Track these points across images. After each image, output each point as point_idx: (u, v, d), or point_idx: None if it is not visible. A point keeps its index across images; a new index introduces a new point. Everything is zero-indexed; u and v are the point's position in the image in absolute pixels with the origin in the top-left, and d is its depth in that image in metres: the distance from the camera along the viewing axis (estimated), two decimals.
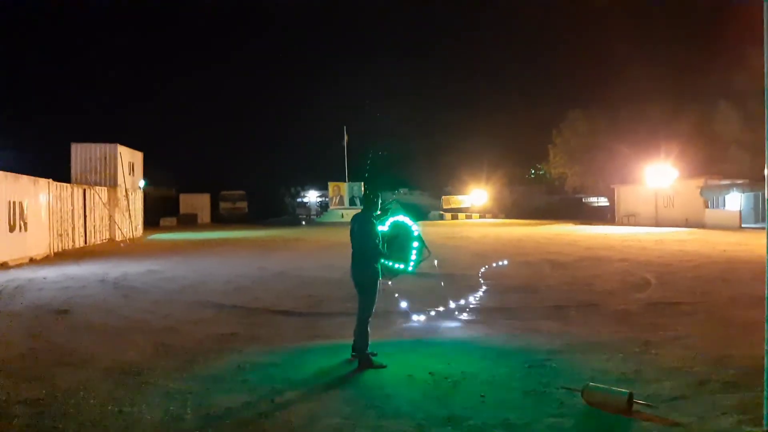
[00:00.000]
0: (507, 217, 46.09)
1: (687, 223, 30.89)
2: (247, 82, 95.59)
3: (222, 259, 17.17)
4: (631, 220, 34.88)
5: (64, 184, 20.54)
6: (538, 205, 48.14)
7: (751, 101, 25.05)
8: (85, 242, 21.88)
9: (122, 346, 6.97)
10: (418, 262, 6.59)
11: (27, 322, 8.29)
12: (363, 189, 39.76)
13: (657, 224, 32.43)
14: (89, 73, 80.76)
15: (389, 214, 6.47)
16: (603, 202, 45.17)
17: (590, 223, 35.27)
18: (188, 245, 22.82)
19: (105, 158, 25.99)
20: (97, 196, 23.43)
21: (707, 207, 31.30)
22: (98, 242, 23.11)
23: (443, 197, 51.07)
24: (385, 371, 5.82)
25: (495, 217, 46.81)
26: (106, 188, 24.91)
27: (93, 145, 26.12)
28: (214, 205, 47.04)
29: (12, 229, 15.62)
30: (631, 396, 4.68)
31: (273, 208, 56.23)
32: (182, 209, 43.75)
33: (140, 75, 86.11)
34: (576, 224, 34.59)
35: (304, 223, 36.94)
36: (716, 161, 32.65)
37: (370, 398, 5.07)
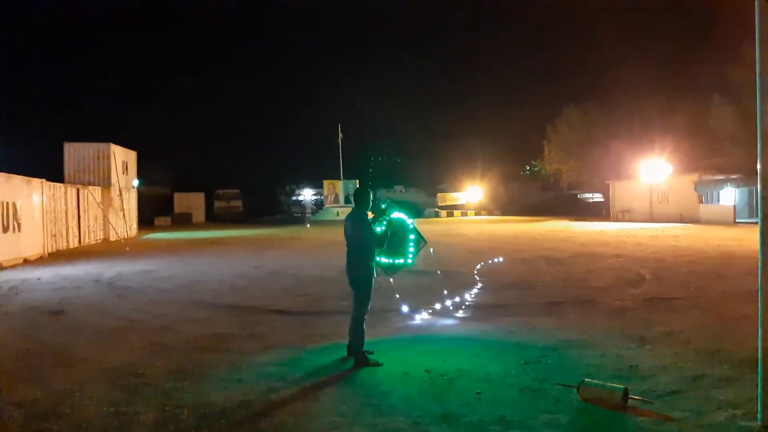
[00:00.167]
0: (502, 213, 46.15)
1: (681, 219, 31.00)
2: (242, 80, 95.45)
3: (217, 259, 17.13)
4: (626, 215, 34.98)
5: (58, 184, 20.45)
6: (534, 201, 48.26)
7: (745, 96, 25.16)
8: (79, 242, 21.81)
9: (117, 346, 6.95)
10: (416, 253, 6.62)
11: (21, 323, 8.26)
12: (357, 186, 39.73)
13: (652, 220, 32.54)
14: (83, 72, 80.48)
15: (386, 213, 6.47)
16: (598, 198, 45.30)
17: (585, 219, 35.37)
18: (183, 244, 22.77)
19: (98, 158, 25.87)
20: (90, 196, 23.34)
21: (701, 202, 31.42)
22: (92, 242, 23.04)
23: (438, 194, 51.10)
24: (381, 369, 5.81)
25: (490, 213, 46.86)
26: (99, 188, 24.82)
27: (86, 145, 26.00)
28: (209, 204, 46.94)
29: (5, 229, 15.55)
30: (626, 391, 4.70)
31: (268, 207, 56.16)
32: (177, 208, 43.64)
33: (134, 74, 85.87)
34: (571, 220, 34.67)
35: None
36: (710, 156, 32.76)
37: (367, 396, 5.07)
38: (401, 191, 52.57)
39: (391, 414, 4.63)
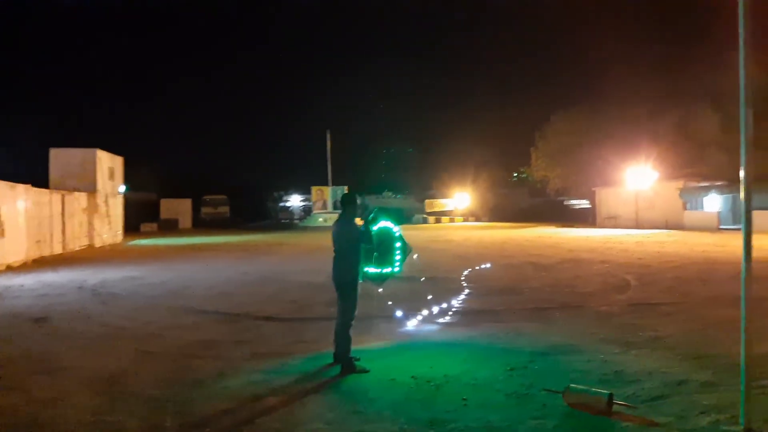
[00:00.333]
0: (490, 220, 46.30)
1: (667, 225, 31.29)
2: (230, 87, 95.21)
3: (204, 265, 17.02)
4: (612, 222, 35.24)
5: (42, 190, 20.23)
6: (521, 207, 48.45)
7: (729, 103, 25.47)
8: (64, 249, 21.56)
9: (101, 353, 6.87)
10: (402, 261, 6.62)
11: (3, 330, 8.14)
12: (345, 192, 39.68)
13: (637, 226, 32.80)
14: (69, 77, 79.92)
15: (373, 222, 6.47)
16: (585, 204, 45.57)
17: (572, 226, 35.58)
18: (169, 251, 22.60)
19: (84, 163, 25.61)
20: (75, 202, 23.11)
21: (686, 209, 31.74)
22: (77, 249, 22.79)
23: (426, 201, 51.18)
24: (367, 375, 5.80)
25: (478, 220, 47.01)
26: (85, 194, 24.57)
27: (72, 150, 25.75)
28: (196, 210, 46.61)
29: None
30: (611, 397, 4.72)
31: (256, 213, 55.94)
32: (163, 214, 43.29)
33: (121, 80, 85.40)
34: (558, 227, 34.86)
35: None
36: (695, 163, 33.10)
37: (353, 403, 5.06)
38: (390, 197, 52.61)
39: (378, 420, 4.62)
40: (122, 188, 30.09)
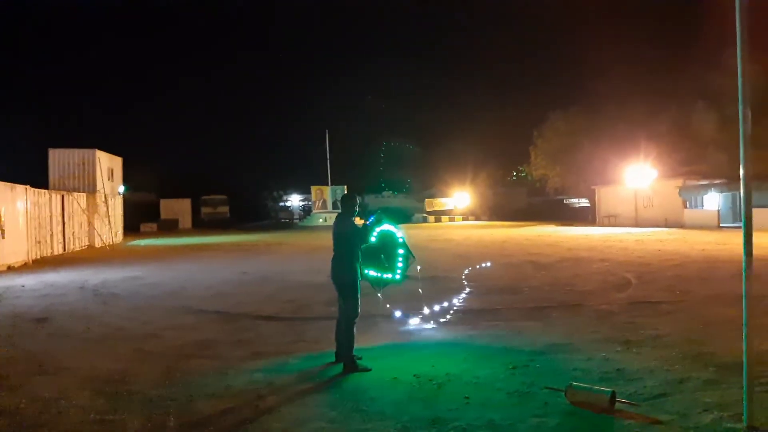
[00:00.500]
0: (489, 219, 46.31)
1: (666, 223, 31.30)
2: (229, 87, 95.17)
3: (203, 265, 17.02)
4: (612, 220, 35.25)
5: (42, 191, 20.23)
6: (520, 206, 48.49)
7: (728, 102, 25.47)
8: (64, 249, 21.56)
9: (102, 353, 6.87)
10: (405, 270, 6.60)
11: (5, 331, 8.14)
12: (345, 192, 39.70)
13: (637, 224, 32.82)
14: (69, 78, 79.87)
15: (376, 224, 6.47)
16: (584, 203, 45.59)
17: (571, 224, 35.59)
18: (169, 251, 22.60)
19: (83, 164, 25.64)
20: (75, 203, 23.11)
21: (686, 207, 31.74)
22: (77, 249, 22.79)
23: (426, 200, 51.17)
24: (369, 374, 5.80)
25: (478, 219, 47.01)
26: (85, 194, 24.58)
27: (71, 151, 25.76)
28: (196, 210, 46.60)
29: None
30: (613, 395, 4.72)
31: (255, 213, 55.91)
32: (163, 214, 43.28)
33: (121, 80, 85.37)
34: (557, 225, 34.86)
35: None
36: (694, 162, 33.10)
37: (355, 401, 5.06)
38: (389, 196, 52.60)
39: (380, 419, 4.62)
40: (122, 188, 30.10)
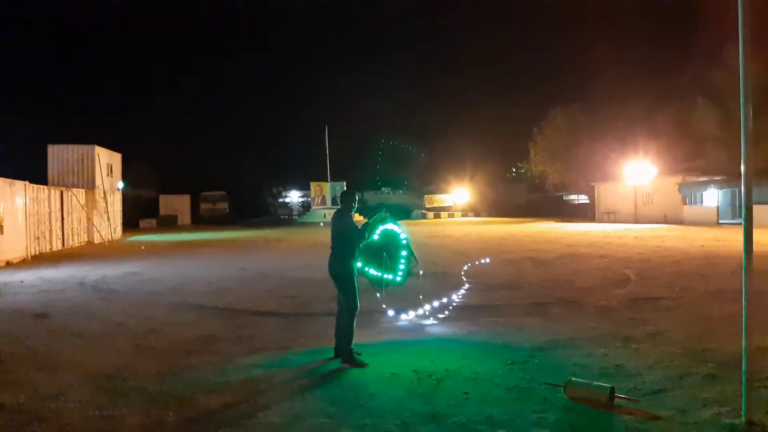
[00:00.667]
0: (489, 215, 46.34)
1: (665, 220, 31.32)
2: (228, 83, 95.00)
3: (203, 261, 17.02)
4: (611, 217, 35.27)
5: (41, 187, 20.21)
6: (520, 203, 48.54)
7: (728, 98, 25.47)
8: (63, 245, 21.56)
9: (102, 349, 6.87)
10: (406, 272, 6.58)
11: (4, 327, 8.14)
12: (344, 188, 39.57)
13: (636, 221, 32.85)
14: (68, 74, 79.73)
15: (381, 222, 6.46)
16: (583, 199, 45.62)
17: (571, 221, 35.61)
18: (168, 247, 22.60)
19: (82, 160, 25.62)
20: (74, 198, 23.09)
21: (685, 203, 31.76)
22: (76, 245, 22.79)
23: (426, 196, 51.17)
24: (368, 370, 5.81)
25: (477, 215, 47.04)
26: (84, 190, 24.56)
27: (70, 147, 25.73)
28: (195, 206, 46.57)
29: None
30: (612, 390, 4.73)
31: (255, 209, 55.85)
32: (162, 210, 43.29)
33: (120, 77, 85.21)
34: (557, 222, 34.89)
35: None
36: (694, 158, 33.12)
37: (354, 397, 5.06)
38: (388, 193, 52.58)
39: (380, 415, 4.63)
40: (121, 184, 30.09)
